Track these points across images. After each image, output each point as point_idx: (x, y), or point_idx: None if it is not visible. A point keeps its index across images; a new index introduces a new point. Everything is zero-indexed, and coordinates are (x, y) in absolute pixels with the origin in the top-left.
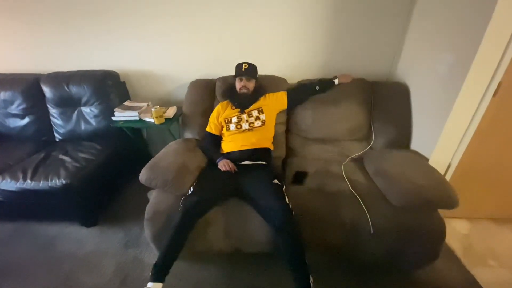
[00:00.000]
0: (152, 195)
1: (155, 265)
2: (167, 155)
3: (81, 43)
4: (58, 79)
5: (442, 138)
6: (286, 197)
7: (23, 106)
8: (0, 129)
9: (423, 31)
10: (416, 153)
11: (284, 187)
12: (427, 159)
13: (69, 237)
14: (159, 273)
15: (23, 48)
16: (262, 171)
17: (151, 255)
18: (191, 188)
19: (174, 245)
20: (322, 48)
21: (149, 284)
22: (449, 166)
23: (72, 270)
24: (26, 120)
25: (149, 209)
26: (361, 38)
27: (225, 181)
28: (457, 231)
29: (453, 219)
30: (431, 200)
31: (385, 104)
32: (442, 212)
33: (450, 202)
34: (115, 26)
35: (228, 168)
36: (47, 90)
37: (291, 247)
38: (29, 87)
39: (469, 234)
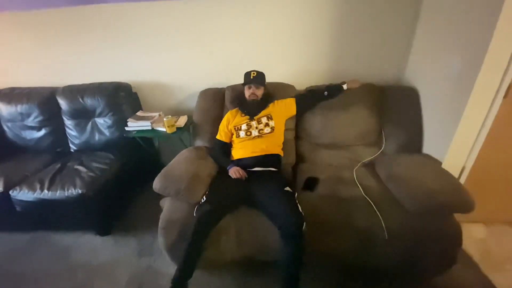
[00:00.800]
0: (166, 204)
1: (173, 280)
2: (180, 163)
3: (94, 57)
4: (73, 92)
5: (455, 141)
6: (299, 205)
7: (40, 118)
8: (17, 141)
9: (430, 35)
10: (428, 157)
11: (296, 194)
12: (440, 163)
13: (84, 246)
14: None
15: (39, 63)
16: (274, 178)
17: (165, 264)
18: (204, 197)
19: (191, 258)
20: (329, 54)
21: None
22: (463, 169)
23: (87, 279)
24: (42, 132)
25: (163, 218)
26: (368, 42)
27: (236, 189)
28: (473, 235)
29: (468, 224)
30: (446, 204)
31: (395, 108)
32: (457, 216)
33: (466, 206)
34: (126, 39)
35: (238, 176)
36: (62, 103)
37: (292, 256)
38: (46, 100)
39: (485, 239)
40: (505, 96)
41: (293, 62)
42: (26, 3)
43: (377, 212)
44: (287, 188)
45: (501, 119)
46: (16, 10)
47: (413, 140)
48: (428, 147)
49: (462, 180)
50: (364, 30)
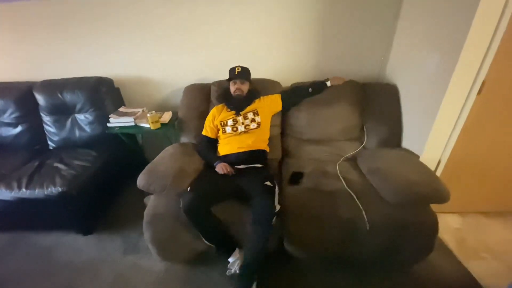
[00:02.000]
0: (150, 199)
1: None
2: (164, 159)
3: (74, 51)
4: (52, 86)
5: (432, 136)
6: (276, 199)
7: (16, 114)
8: None
9: (409, 33)
10: (407, 151)
11: (277, 188)
12: (418, 157)
13: (66, 246)
14: (227, 251)
15: (15, 56)
16: (257, 173)
17: (151, 260)
18: (189, 187)
19: (215, 238)
20: (313, 51)
21: (230, 259)
22: (439, 163)
23: (70, 280)
24: (19, 128)
25: (147, 212)
26: (351, 41)
27: (222, 183)
28: (450, 225)
29: (445, 214)
30: (423, 195)
31: (376, 104)
32: (434, 207)
33: (441, 197)
34: (108, 33)
35: (225, 171)
36: (40, 98)
37: (256, 243)
38: (22, 95)
39: (461, 228)
40: (479, 93)
41: (278, 59)
42: None
43: (359, 204)
44: (267, 183)
45: (475, 114)
46: None
47: (393, 135)
48: (407, 142)
49: (438, 173)
50: (347, 29)
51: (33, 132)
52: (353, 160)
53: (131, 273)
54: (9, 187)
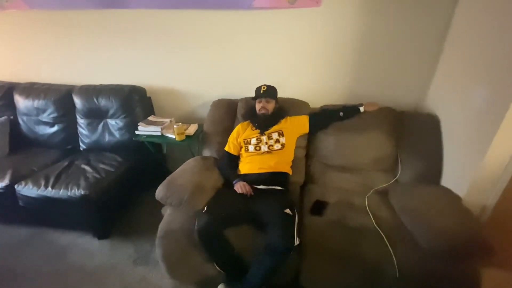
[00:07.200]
0: (166, 213)
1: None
2: (184, 172)
3: (113, 59)
4: (89, 91)
5: (477, 177)
6: (295, 228)
7: (54, 115)
8: (30, 134)
9: (456, 61)
10: (447, 190)
11: (297, 217)
12: (460, 198)
13: (80, 248)
14: (237, 278)
15: (60, 61)
16: (277, 198)
17: (159, 276)
18: (205, 208)
19: (225, 264)
20: (346, 73)
21: None
22: (484, 208)
23: (78, 284)
24: (55, 128)
25: (162, 227)
26: (389, 64)
27: (239, 204)
28: (496, 282)
29: (489, 269)
30: (466, 246)
31: (413, 135)
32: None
33: (485, 252)
34: (144, 44)
35: (244, 191)
36: (77, 101)
37: (263, 271)
38: (62, 97)
39: (502, 285)
40: None
41: (310, 79)
42: (55, 3)
43: (389, 246)
44: (287, 211)
45: None
46: (46, 8)
47: (431, 170)
48: (448, 180)
49: (482, 219)
50: (387, 52)
51: (67, 133)
52: (383, 193)
53: (138, 286)
54: (36, 184)
